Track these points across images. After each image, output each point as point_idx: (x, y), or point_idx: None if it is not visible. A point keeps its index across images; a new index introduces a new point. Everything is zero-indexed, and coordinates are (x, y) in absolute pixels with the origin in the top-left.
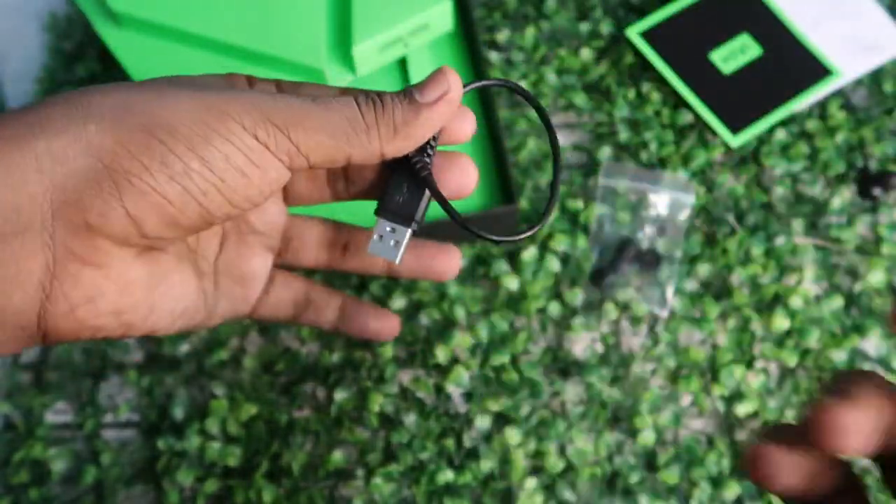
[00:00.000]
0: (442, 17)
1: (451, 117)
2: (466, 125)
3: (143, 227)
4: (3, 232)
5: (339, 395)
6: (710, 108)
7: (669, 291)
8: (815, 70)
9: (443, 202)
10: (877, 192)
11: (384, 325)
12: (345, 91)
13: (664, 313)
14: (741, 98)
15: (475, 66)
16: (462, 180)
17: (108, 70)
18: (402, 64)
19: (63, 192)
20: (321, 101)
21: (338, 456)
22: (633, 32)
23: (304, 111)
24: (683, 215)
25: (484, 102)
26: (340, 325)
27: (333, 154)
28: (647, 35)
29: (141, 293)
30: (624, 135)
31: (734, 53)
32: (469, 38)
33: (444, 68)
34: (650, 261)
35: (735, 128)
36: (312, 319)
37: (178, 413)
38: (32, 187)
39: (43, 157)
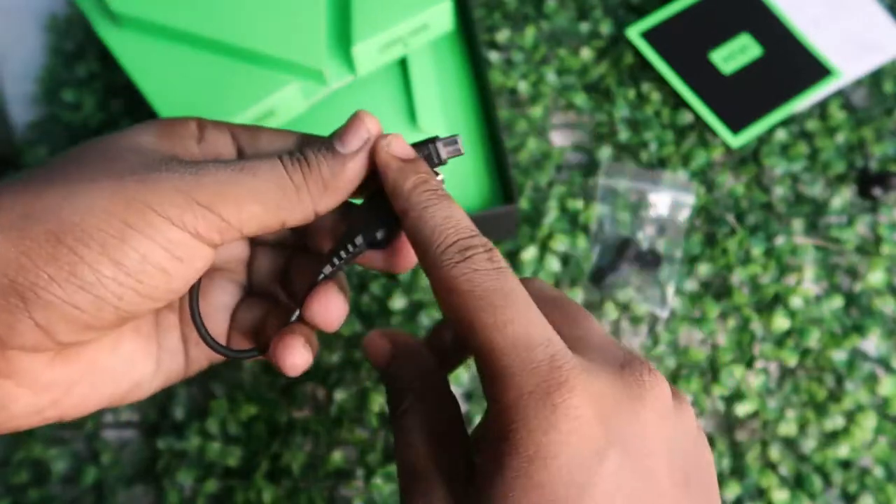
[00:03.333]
0: (442, 17)
1: (373, 164)
2: (332, 312)
3: (54, 335)
4: None
5: (339, 395)
6: (710, 108)
7: (669, 291)
8: (815, 70)
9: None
10: (877, 192)
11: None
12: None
13: (664, 313)
14: (741, 98)
15: (475, 66)
16: (327, 316)
17: (108, 70)
18: (402, 64)
19: None
20: (248, 167)
21: (338, 456)
22: (633, 32)
23: (231, 183)
24: (683, 215)
25: (484, 102)
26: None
27: (267, 222)
28: (647, 35)
29: (61, 390)
30: (624, 135)
31: (734, 53)
32: (469, 38)
33: (359, 113)
34: (650, 261)
35: (735, 128)
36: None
37: (178, 413)
38: None
39: None
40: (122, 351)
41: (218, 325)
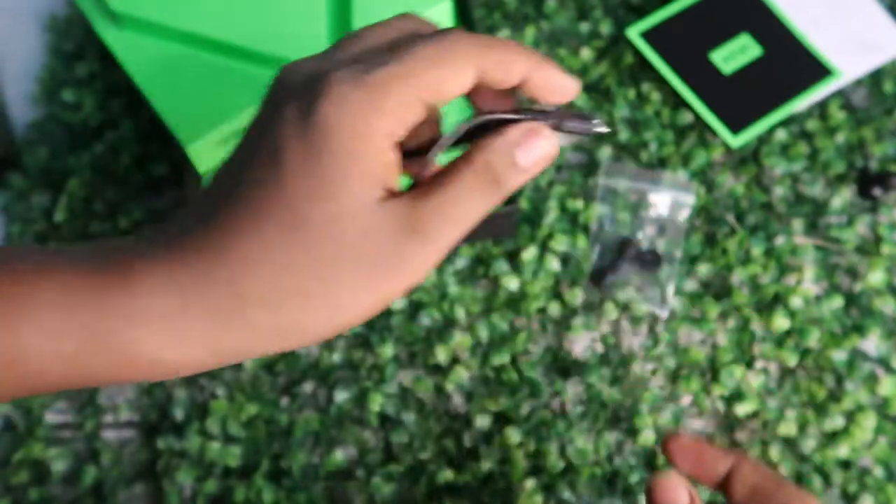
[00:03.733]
0: (442, 17)
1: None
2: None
3: None
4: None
5: (339, 395)
6: (710, 108)
7: (669, 291)
8: (815, 70)
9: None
10: (877, 192)
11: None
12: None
13: (664, 313)
14: (741, 98)
15: None
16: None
17: (109, 70)
18: None
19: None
20: (457, 194)
21: (338, 456)
22: (633, 32)
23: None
24: (683, 215)
25: None
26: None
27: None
28: (647, 35)
29: None
30: (624, 135)
31: (734, 53)
32: None
33: (541, 131)
34: (650, 261)
35: (735, 128)
36: None
37: (178, 413)
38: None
39: (217, 350)
40: None
41: None
